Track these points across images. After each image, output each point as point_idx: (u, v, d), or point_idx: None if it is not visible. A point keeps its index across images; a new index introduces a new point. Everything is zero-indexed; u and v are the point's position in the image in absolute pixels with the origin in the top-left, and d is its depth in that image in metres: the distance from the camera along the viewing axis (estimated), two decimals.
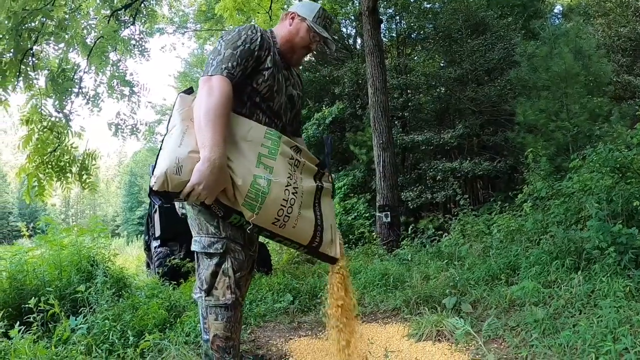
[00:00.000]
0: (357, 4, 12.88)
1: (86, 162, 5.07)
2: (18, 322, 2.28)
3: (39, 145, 4.71)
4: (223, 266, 1.72)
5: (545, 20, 8.67)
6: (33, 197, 4.57)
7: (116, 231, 36.61)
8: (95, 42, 5.51)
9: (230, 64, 1.65)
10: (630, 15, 12.04)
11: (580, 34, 7.66)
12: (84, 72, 5.66)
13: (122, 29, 6.50)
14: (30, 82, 4.49)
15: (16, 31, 3.92)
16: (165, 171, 1.48)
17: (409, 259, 4.82)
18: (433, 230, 5.80)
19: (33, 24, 4.24)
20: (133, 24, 6.66)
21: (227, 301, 1.72)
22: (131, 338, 2.37)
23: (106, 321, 2.47)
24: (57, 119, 4.88)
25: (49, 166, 4.77)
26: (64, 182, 4.92)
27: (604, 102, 6.97)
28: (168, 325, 2.77)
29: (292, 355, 2.42)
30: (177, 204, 1.97)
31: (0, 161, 49.87)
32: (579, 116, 6.66)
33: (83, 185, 5.06)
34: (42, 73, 4.88)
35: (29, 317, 2.42)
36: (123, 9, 6.17)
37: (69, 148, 4.97)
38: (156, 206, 6.11)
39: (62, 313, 2.42)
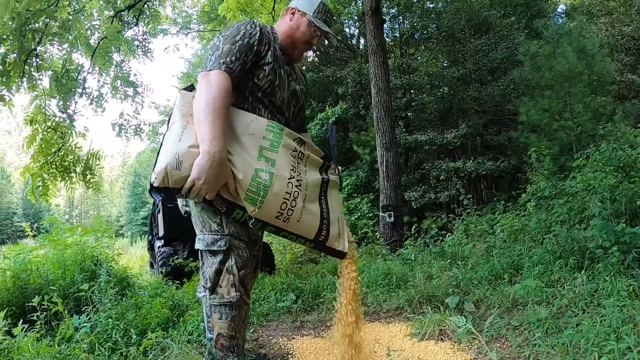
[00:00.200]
0: (360, 4, 12.87)
1: (90, 162, 5.09)
2: (21, 321, 2.29)
3: (43, 145, 4.74)
4: (227, 264, 1.70)
5: (548, 20, 8.67)
6: (37, 196, 4.60)
7: (120, 231, 36.77)
8: (98, 42, 5.54)
9: (228, 59, 1.65)
10: (633, 14, 11.98)
11: (584, 33, 7.64)
12: (88, 73, 5.70)
13: (126, 30, 6.54)
14: (34, 82, 4.52)
15: (20, 32, 3.95)
16: (165, 167, 1.46)
17: (412, 258, 4.81)
18: (436, 230, 5.79)
19: (37, 25, 4.26)
20: (136, 24, 6.69)
21: (231, 299, 1.70)
22: (134, 337, 2.37)
23: (109, 320, 2.47)
24: (61, 119, 4.90)
25: (53, 166, 4.80)
26: (68, 182, 4.94)
27: (608, 102, 6.95)
28: (171, 324, 2.77)
29: (294, 354, 2.42)
30: (180, 202, 1.95)
31: (5, 162, 50.16)
32: (582, 115, 6.64)
33: (87, 185, 5.09)
34: (46, 74, 4.91)
35: (33, 316, 2.43)
36: (126, 10, 6.19)
37: (73, 148, 5.00)
38: (160, 206, 6.14)
39: (66, 312, 2.43)
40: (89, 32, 5.54)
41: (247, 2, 8.83)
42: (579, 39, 7.27)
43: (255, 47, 1.74)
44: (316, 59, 15.11)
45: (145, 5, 6.83)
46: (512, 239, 4.23)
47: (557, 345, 2.07)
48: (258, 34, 1.76)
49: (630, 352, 1.81)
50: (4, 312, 2.27)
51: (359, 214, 9.62)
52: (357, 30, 14.88)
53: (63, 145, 4.92)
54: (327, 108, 11.69)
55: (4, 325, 2.16)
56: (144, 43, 7.37)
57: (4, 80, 4.09)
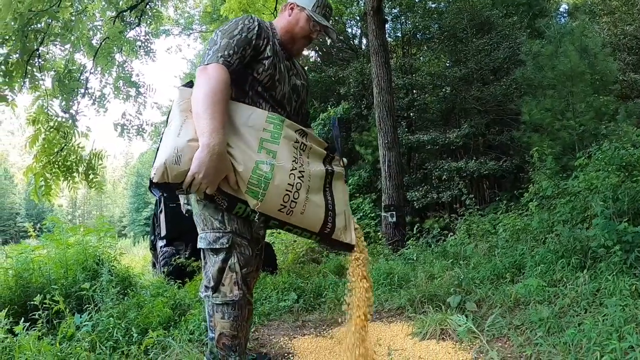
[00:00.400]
0: (362, 4, 12.88)
1: (92, 162, 5.10)
2: (22, 319, 2.30)
3: (45, 145, 4.75)
4: (229, 262, 1.68)
5: (550, 19, 8.65)
6: (40, 196, 4.61)
7: (123, 232, 36.85)
8: (101, 43, 5.56)
9: (226, 52, 1.64)
10: (635, 14, 11.95)
11: (586, 32, 7.63)
12: (90, 73, 5.71)
13: (128, 30, 6.55)
14: (36, 82, 4.53)
15: (22, 32, 3.96)
16: (164, 161, 1.44)
17: (414, 258, 4.80)
18: (439, 230, 5.79)
19: (39, 25, 4.28)
20: (138, 25, 6.71)
21: (234, 297, 1.67)
22: (135, 335, 2.38)
23: (111, 319, 2.48)
24: (64, 119, 4.92)
25: (56, 166, 4.81)
26: (71, 181, 4.95)
27: (610, 101, 6.93)
28: (172, 323, 2.78)
29: (295, 354, 2.41)
30: (181, 201, 1.93)
31: (8, 162, 50.34)
32: (584, 115, 6.63)
33: (89, 184, 5.10)
34: (48, 74, 4.93)
35: (34, 314, 2.44)
36: (128, 11, 6.20)
37: (76, 148, 5.01)
38: (162, 206, 6.15)
39: (67, 310, 2.44)
40: (91, 32, 5.56)
41: (249, 2, 8.85)
42: (581, 38, 7.25)
43: (254, 42, 1.73)
44: (318, 59, 15.13)
45: (148, 6, 6.84)
46: (515, 238, 4.22)
47: (559, 345, 2.06)
48: (256, 29, 1.75)
49: (633, 352, 1.80)
50: (5, 310, 2.27)
51: (361, 214, 9.62)
52: (359, 31, 14.89)
53: (65, 145, 4.94)
54: (330, 108, 11.70)
55: (6, 324, 2.17)
56: (146, 43, 7.38)
57: (7, 80, 4.10)
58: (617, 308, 2.13)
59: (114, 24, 5.76)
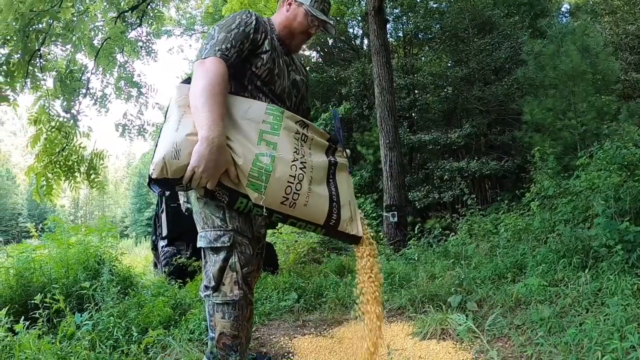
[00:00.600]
0: (364, 5, 12.88)
1: (94, 161, 5.11)
2: (22, 318, 2.30)
3: (47, 145, 4.75)
4: (230, 261, 1.65)
5: (552, 19, 8.63)
6: (42, 196, 4.62)
7: (125, 232, 36.89)
8: (102, 43, 5.56)
9: (224, 46, 1.62)
10: (637, 13, 11.93)
11: (588, 31, 7.62)
12: (92, 74, 5.71)
13: (129, 31, 6.56)
14: (38, 83, 4.54)
15: (23, 32, 3.96)
16: (163, 156, 1.40)
17: (416, 258, 4.80)
18: (440, 230, 5.78)
19: (40, 26, 4.28)
20: (140, 25, 6.71)
21: (234, 297, 1.65)
22: (135, 334, 2.38)
23: (111, 318, 2.48)
24: (65, 119, 4.92)
25: (57, 166, 4.81)
26: (72, 181, 4.96)
27: (612, 101, 6.93)
28: (173, 322, 2.78)
29: (295, 353, 2.41)
30: (181, 199, 1.90)
31: (10, 163, 50.48)
32: (586, 115, 6.62)
33: (91, 184, 5.10)
34: (50, 74, 4.93)
35: (35, 313, 2.44)
36: (130, 11, 6.21)
37: (77, 148, 5.01)
38: (163, 206, 6.16)
39: (67, 309, 2.44)
40: (92, 33, 5.57)
41: (250, 3, 8.84)
42: (583, 37, 7.24)
43: (252, 35, 1.71)
44: (320, 59, 15.13)
45: (149, 7, 6.85)
46: (516, 238, 4.21)
47: (560, 345, 2.05)
48: (254, 23, 1.74)
49: (634, 351, 1.79)
50: (6, 309, 2.27)
51: (362, 214, 9.59)
52: (360, 31, 14.88)
53: (67, 145, 4.94)
54: (331, 108, 11.69)
55: (7, 323, 2.17)
56: (147, 44, 7.40)
57: (8, 80, 4.11)
58: (619, 308, 2.12)
59: (115, 24, 5.77)
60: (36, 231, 4.82)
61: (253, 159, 1.52)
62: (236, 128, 1.56)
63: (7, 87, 4.07)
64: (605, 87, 7.41)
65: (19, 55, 4.16)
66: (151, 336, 2.29)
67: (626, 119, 6.39)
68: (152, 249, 8.20)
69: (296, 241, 7.24)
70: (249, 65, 1.74)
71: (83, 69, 5.60)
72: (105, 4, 5.88)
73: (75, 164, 4.97)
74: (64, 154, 4.90)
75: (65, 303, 2.55)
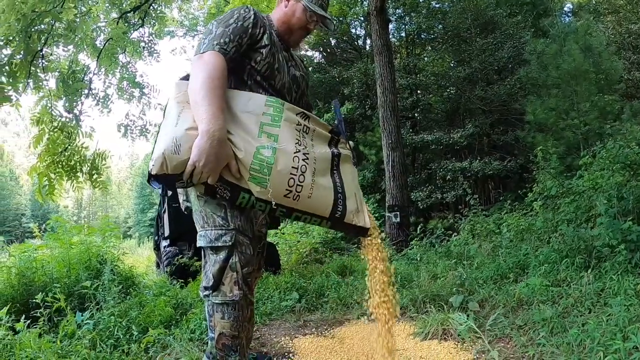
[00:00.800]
0: (366, 5, 12.87)
1: (96, 161, 5.12)
2: (23, 316, 2.31)
3: (49, 145, 4.78)
4: (230, 260, 1.62)
5: (554, 18, 8.61)
6: (44, 195, 4.63)
7: (128, 233, 36.97)
8: (104, 44, 5.58)
9: (222, 40, 1.61)
10: None
11: (590, 31, 7.59)
12: (94, 74, 5.73)
13: (131, 31, 6.58)
14: (40, 83, 4.55)
15: (25, 33, 3.98)
16: (163, 152, 1.37)
17: (418, 258, 4.78)
18: (442, 230, 5.76)
19: (42, 26, 4.30)
20: (142, 26, 6.73)
21: (234, 297, 1.62)
22: (135, 333, 2.38)
23: (112, 317, 2.48)
24: (67, 120, 4.94)
25: (60, 166, 4.83)
26: (75, 181, 4.97)
27: (615, 100, 6.90)
28: (174, 322, 2.78)
29: (296, 353, 2.40)
30: (180, 197, 1.88)
31: (14, 164, 50.70)
32: (589, 114, 6.59)
33: (93, 184, 5.12)
34: (53, 75, 4.95)
35: (36, 313, 2.44)
36: (132, 12, 6.22)
37: (80, 148, 5.03)
38: (165, 206, 6.16)
39: (68, 308, 2.44)
40: (94, 33, 5.59)
41: (252, 3, 8.86)
42: (586, 37, 7.22)
43: (250, 30, 1.70)
44: (322, 60, 15.13)
45: (151, 7, 6.87)
46: (519, 238, 4.20)
47: (562, 345, 2.04)
48: (252, 17, 1.72)
49: (637, 352, 1.78)
50: (7, 308, 2.28)
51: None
52: (363, 31, 14.88)
53: (69, 145, 4.96)
54: (332, 108, 11.69)
55: (7, 322, 2.17)
56: (149, 44, 7.42)
57: (11, 81, 4.12)
58: (622, 308, 2.11)
59: (117, 24, 5.78)
60: (39, 231, 4.83)
61: (254, 152, 1.49)
62: (236, 121, 1.53)
63: (10, 87, 4.08)
64: (608, 86, 7.38)
65: (21, 56, 4.17)
66: (151, 335, 2.29)
67: (629, 118, 6.37)
68: (154, 249, 8.20)
69: (299, 241, 7.24)
70: (248, 60, 1.73)
71: (85, 69, 5.62)
72: (107, 4, 5.89)
73: (78, 164, 4.99)
74: (66, 154, 4.92)
75: (67, 302, 2.55)
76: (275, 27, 1.87)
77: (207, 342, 1.88)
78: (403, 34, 13.77)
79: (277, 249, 6.30)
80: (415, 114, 12.30)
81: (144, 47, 7.31)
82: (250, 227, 1.69)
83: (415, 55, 13.39)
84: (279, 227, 7.21)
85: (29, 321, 2.32)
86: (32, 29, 4.11)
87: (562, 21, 10.74)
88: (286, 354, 2.40)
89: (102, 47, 5.59)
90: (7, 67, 4.07)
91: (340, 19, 13.56)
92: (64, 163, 4.88)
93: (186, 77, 1.66)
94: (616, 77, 7.71)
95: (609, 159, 3.58)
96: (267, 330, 2.88)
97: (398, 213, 6.71)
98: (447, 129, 11.37)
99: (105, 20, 6.19)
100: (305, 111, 1.73)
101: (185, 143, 1.40)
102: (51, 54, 5.06)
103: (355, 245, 7.91)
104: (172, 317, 2.82)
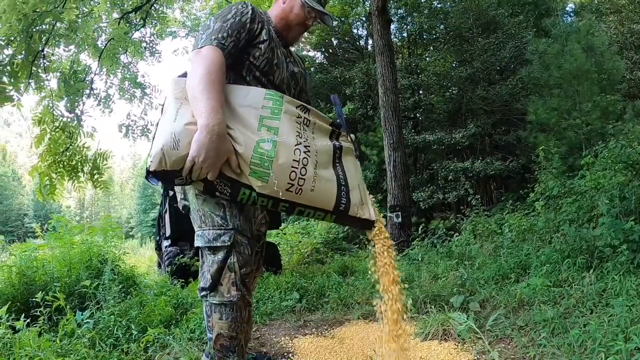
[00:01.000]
0: (368, 5, 12.86)
1: (98, 161, 5.13)
2: (23, 315, 2.30)
3: (51, 145, 4.79)
4: (229, 261, 1.61)
5: (556, 18, 8.58)
6: (45, 195, 4.64)
7: (130, 233, 37.03)
8: (106, 44, 5.59)
9: (220, 35, 1.60)
10: None
11: (592, 31, 7.57)
12: (95, 74, 5.74)
13: (133, 32, 6.59)
14: (42, 83, 4.56)
15: (26, 33, 3.98)
16: (161, 147, 1.34)
17: (419, 259, 4.77)
18: (444, 230, 5.74)
19: (44, 26, 4.30)
20: (143, 26, 6.74)
21: (232, 298, 1.62)
22: (135, 333, 2.37)
23: (112, 316, 2.48)
24: (69, 120, 4.95)
25: (61, 165, 4.84)
26: (76, 181, 4.98)
27: (617, 100, 6.87)
28: (174, 322, 2.78)
29: (295, 353, 2.40)
30: (178, 196, 1.86)
31: (16, 164, 50.83)
32: (591, 114, 6.57)
33: (94, 184, 5.12)
34: (54, 75, 4.96)
35: (36, 311, 2.44)
36: (133, 12, 6.23)
37: (81, 148, 5.04)
38: (167, 206, 6.17)
39: (68, 307, 2.44)
40: (96, 33, 5.59)
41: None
42: (588, 36, 7.20)
43: (248, 25, 1.69)
44: (324, 60, 15.13)
45: (152, 8, 6.88)
46: (520, 238, 4.18)
47: (563, 346, 2.02)
48: (250, 13, 1.71)
49: (639, 352, 1.76)
50: (7, 306, 2.27)
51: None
52: (364, 31, 14.88)
53: (71, 145, 4.97)
54: (335, 108, 11.69)
55: (7, 320, 2.17)
56: (151, 45, 7.43)
57: (12, 81, 4.13)
58: (624, 308, 2.09)
59: (118, 24, 5.79)
60: (41, 231, 4.84)
61: (254, 145, 1.46)
62: (235, 116, 1.51)
63: (11, 87, 4.09)
64: (610, 86, 7.35)
65: (22, 56, 4.18)
66: (150, 334, 2.28)
67: (631, 118, 6.35)
68: (156, 249, 8.21)
69: (300, 241, 7.24)
70: (246, 56, 1.72)
71: (87, 69, 5.63)
72: (108, 4, 5.90)
73: (79, 164, 5.00)
74: (67, 154, 4.93)
75: (67, 302, 2.55)
76: (273, 24, 1.87)
77: (207, 342, 1.88)
78: (405, 34, 13.77)
79: (279, 249, 6.30)
80: (417, 114, 12.29)
81: (145, 48, 7.32)
82: (249, 226, 1.68)
83: (417, 55, 13.37)
84: (280, 227, 7.21)
85: (28, 320, 2.32)
86: (34, 29, 4.11)
87: (564, 21, 10.69)
88: (286, 354, 2.39)
89: (103, 48, 5.60)
90: (8, 67, 4.08)
91: (342, 19, 13.56)
92: (65, 163, 4.89)
93: (184, 75, 1.64)
94: (618, 77, 7.68)
95: (611, 159, 3.57)
96: (267, 330, 2.87)
97: (400, 213, 6.69)
98: (448, 129, 11.36)
99: (107, 20, 6.19)
100: (304, 104, 1.71)
101: (184, 138, 1.37)
102: (52, 54, 5.07)
103: (357, 246, 7.91)
104: (172, 316, 2.82)
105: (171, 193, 5.45)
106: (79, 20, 4.88)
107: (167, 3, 7.43)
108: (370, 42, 14.30)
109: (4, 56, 4.17)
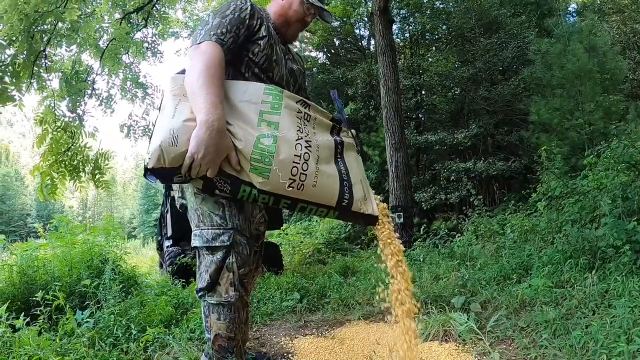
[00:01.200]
0: (370, 5, 12.86)
1: (99, 161, 5.14)
2: (23, 314, 2.30)
3: (52, 145, 4.80)
4: (227, 261, 1.58)
5: (559, 18, 8.56)
6: (46, 194, 4.65)
7: (132, 233, 37.09)
8: (107, 44, 5.59)
9: (219, 31, 1.59)
10: None
11: (595, 31, 7.54)
12: (97, 74, 5.75)
13: (134, 32, 6.60)
14: (43, 83, 4.57)
15: (28, 33, 3.99)
16: (159, 144, 1.32)
17: (421, 259, 4.76)
18: (446, 231, 5.73)
19: (45, 26, 4.31)
20: (145, 26, 6.74)
21: (230, 298, 1.60)
22: (134, 332, 2.37)
23: (112, 316, 2.47)
24: (70, 120, 4.96)
25: (63, 165, 4.85)
26: (77, 181, 4.98)
27: (620, 100, 6.85)
28: (174, 321, 2.77)
29: (295, 353, 2.39)
30: (176, 194, 1.84)
31: (19, 164, 51.00)
32: (593, 114, 6.55)
33: (96, 184, 5.13)
34: (56, 75, 4.97)
35: (37, 311, 2.44)
36: (135, 12, 6.24)
37: (82, 148, 5.05)
38: (168, 206, 6.17)
39: (68, 307, 2.44)
40: (97, 34, 5.60)
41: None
42: (590, 37, 7.18)
43: (247, 21, 1.68)
44: (326, 60, 15.12)
45: (154, 8, 6.88)
46: (522, 239, 4.17)
47: (564, 347, 2.01)
48: (249, 9, 1.70)
49: None
50: (6, 305, 2.27)
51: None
52: (367, 32, 14.87)
53: (72, 145, 4.98)
54: (335, 109, 11.68)
55: (7, 319, 2.17)
56: (153, 45, 7.44)
57: (14, 80, 4.14)
58: (626, 309, 2.07)
59: (120, 25, 5.79)
60: (44, 231, 4.84)
61: (254, 141, 1.43)
62: (234, 112, 1.49)
63: (13, 87, 4.09)
64: (612, 86, 7.33)
65: (24, 56, 4.19)
66: (149, 334, 2.28)
67: (634, 118, 6.33)
68: (157, 249, 8.20)
69: (302, 242, 7.23)
70: (245, 52, 1.71)
71: (88, 69, 5.64)
72: (109, 4, 5.91)
73: (81, 163, 5.01)
74: (69, 153, 4.94)
75: (68, 301, 2.55)
76: (272, 20, 1.86)
77: (206, 342, 1.87)
78: (407, 35, 13.75)
79: (280, 249, 6.29)
80: (419, 115, 12.28)
81: (147, 48, 7.33)
82: (249, 226, 1.66)
83: (419, 55, 13.36)
84: (282, 228, 7.20)
85: (28, 319, 2.32)
86: (35, 29, 4.12)
87: (567, 21, 10.67)
88: (285, 354, 2.38)
89: (105, 48, 5.61)
90: (10, 67, 4.09)
91: (344, 19, 13.55)
92: (66, 163, 4.89)
93: (182, 72, 1.63)
94: (621, 77, 7.67)
95: (614, 159, 3.55)
96: (267, 330, 2.86)
97: (401, 214, 6.67)
98: (451, 129, 11.33)
99: (109, 20, 6.20)
100: (304, 99, 1.69)
101: (183, 134, 1.35)
102: (54, 54, 5.09)
103: (359, 247, 7.90)
104: (172, 316, 2.82)
105: (171, 193, 5.45)
106: (81, 20, 4.89)
107: (169, 3, 7.44)
108: (372, 42, 14.29)
109: (6, 56, 4.18)
